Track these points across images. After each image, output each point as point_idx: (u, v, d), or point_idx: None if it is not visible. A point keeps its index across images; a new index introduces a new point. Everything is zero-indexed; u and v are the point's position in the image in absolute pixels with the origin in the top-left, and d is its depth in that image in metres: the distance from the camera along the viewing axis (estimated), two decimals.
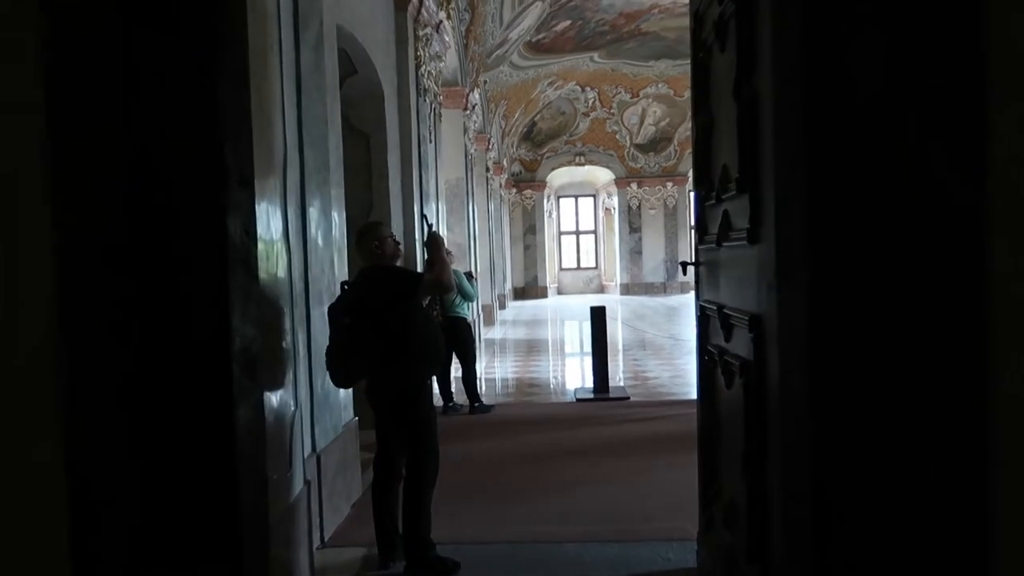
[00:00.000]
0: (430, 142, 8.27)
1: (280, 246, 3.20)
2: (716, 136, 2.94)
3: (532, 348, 12.83)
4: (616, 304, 22.59)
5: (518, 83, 18.96)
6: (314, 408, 3.90)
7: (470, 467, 5.30)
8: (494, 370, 10.34)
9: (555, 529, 4.05)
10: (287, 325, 3.27)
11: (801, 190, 1.86)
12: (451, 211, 11.90)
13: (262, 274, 2.92)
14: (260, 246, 2.84)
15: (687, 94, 23.38)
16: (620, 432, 6.28)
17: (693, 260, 3.38)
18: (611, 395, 7.71)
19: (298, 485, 3.36)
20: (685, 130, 24.88)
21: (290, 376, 3.29)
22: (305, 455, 3.69)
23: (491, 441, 6.16)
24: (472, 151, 13.09)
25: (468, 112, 12.34)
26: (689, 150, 22.11)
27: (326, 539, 3.94)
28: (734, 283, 2.64)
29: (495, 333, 15.12)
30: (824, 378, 1.78)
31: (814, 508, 1.82)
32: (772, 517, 2.26)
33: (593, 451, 5.69)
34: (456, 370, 7.64)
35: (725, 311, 2.74)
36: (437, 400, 7.46)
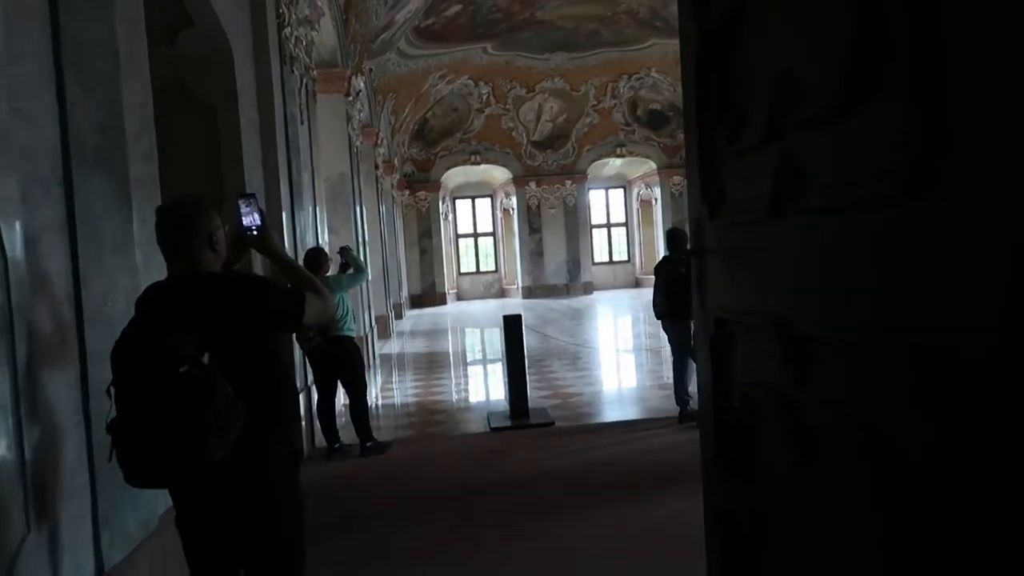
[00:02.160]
0: (302, 123, 6.80)
1: None
2: (752, 32, 1.73)
3: (434, 363, 11.47)
4: (519, 308, 21.50)
5: (407, 74, 17.56)
6: (97, 504, 2.46)
7: (353, 546, 3.92)
8: (391, 393, 8.93)
9: None
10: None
11: None
12: (334, 212, 10.40)
13: None
14: None
15: (583, 88, 22.78)
16: (551, 473, 5.03)
17: (693, 246, 2.17)
18: (532, 420, 6.47)
19: None
20: (583, 126, 24.15)
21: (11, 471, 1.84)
22: None
23: (386, 497, 4.78)
24: (358, 144, 11.61)
25: (352, 99, 10.87)
26: (588, 147, 21.39)
27: None
28: (833, 278, 1.42)
29: (391, 347, 13.66)
30: None
31: None
32: None
33: (521, 505, 4.42)
34: (342, 400, 6.23)
35: (798, 330, 1.53)
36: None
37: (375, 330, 12.23)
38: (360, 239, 11.10)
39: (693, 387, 6.12)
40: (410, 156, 23.99)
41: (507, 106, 23.27)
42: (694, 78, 2.06)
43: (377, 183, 15.47)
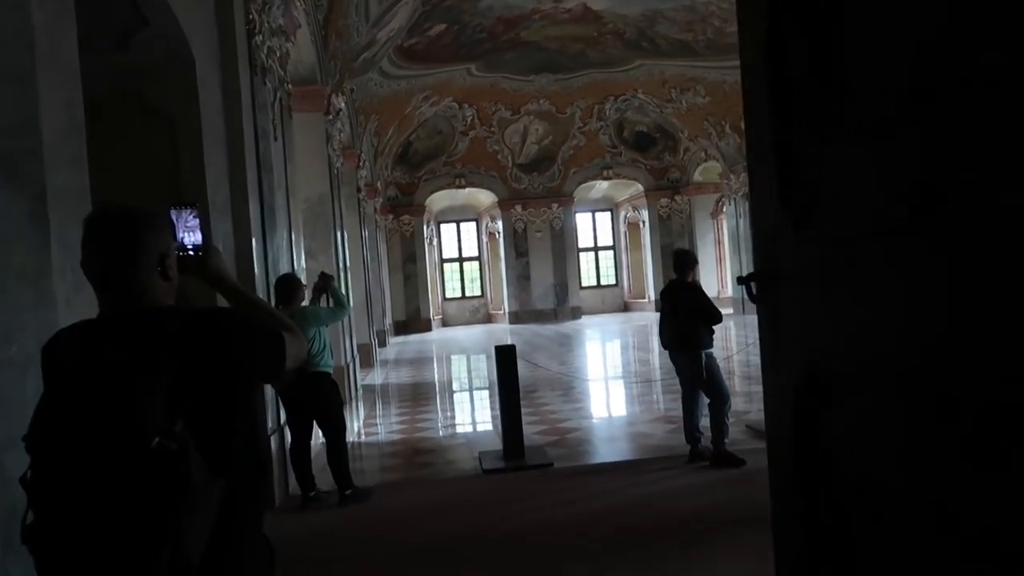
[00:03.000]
0: (275, 139, 6.29)
1: None
2: None
3: (419, 394, 10.89)
4: (506, 334, 20.96)
5: (390, 95, 17.13)
6: None
7: None
8: (375, 429, 8.34)
9: None
10: None
11: None
12: (314, 236, 9.87)
13: None
14: None
15: (569, 110, 22.49)
16: (555, 525, 4.47)
17: (762, 268, 1.66)
18: (528, 461, 5.92)
19: None
20: (568, 148, 23.82)
21: None
22: None
23: (367, 556, 4.20)
24: (339, 165, 11.11)
25: (332, 118, 10.38)
26: (574, 170, 21.13)
27: None
28: None
29: (374, 377, 13.06)
30: None
31: None
32: None
33: (523, 568, 3.86)
34: (318, 441, 5.65)
35: (969, 393, 1.03)
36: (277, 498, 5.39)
37: (357, 359, 11.65)
38: (341, 264, 10.56)
39: (705, 422, 5.61)
40: (393, 179, 23.53)
41: (492, 128, 22.90)
42: (766, 36, 1.56)
43: (359, 206, 14.96)
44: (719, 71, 18.22)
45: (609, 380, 11.73)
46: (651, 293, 25.45)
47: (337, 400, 5.25)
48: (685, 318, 5.49)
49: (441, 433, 7.84)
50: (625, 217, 26.99)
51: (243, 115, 5.26)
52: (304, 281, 6.79)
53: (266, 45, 6.07)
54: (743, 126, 1.75)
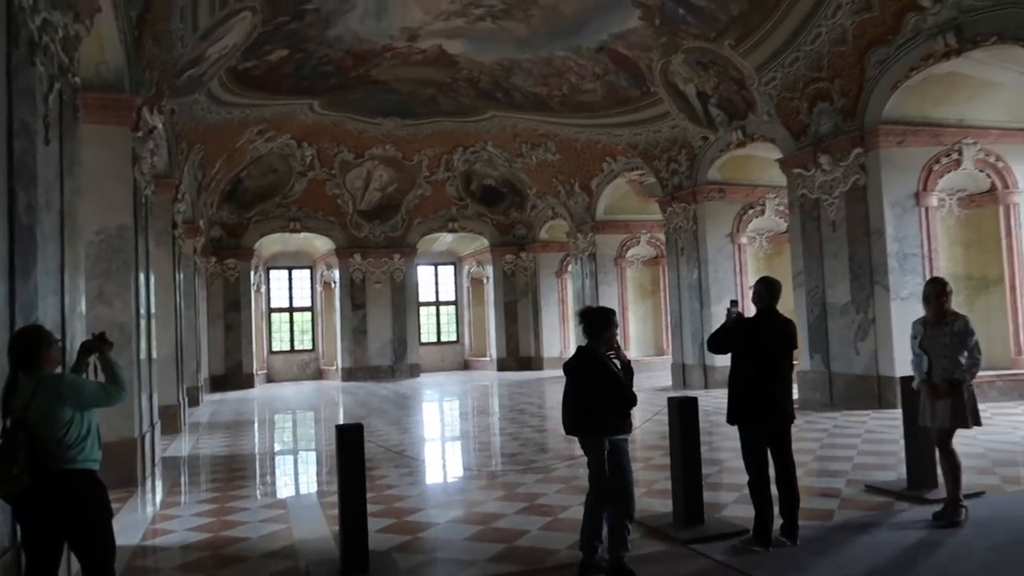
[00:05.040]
0: (46, 142, 4.68)
1: None
2: None
3: (234, 469, 9.10)
4: (338, 392, 19.23)
5: (220, 123, 15.31)
6: None
7: None
8: (171, 524, 6.55)
9: None
10: None
11: None
12: (108, 276, 8.05)
13: None
14: None
15: (416, 157, 21.43)
16: None
17: None
18: None
19: None
20: (413, 197, 22.74)
21: None
22: None
23: None
24: (148, 193, 9.29)
25: (142, 136, 8.63)
26: (419, 220, 20.08)
27: None
28: None
29: (180, 446, 11.01)
30: None
31: None
32: None
33: None
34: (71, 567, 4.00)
35: None
36: None
37: (158, 427, 9.67)
38: (143, 311, 8.69)
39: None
40: (219, 219, 21.33)
41: (333, 171, 21.41)
42: None
43: (175, 245, 12.97)
44: (572, 128, 17.97)
45: (459, 453, 10.47)
46: (493, 351, 24.63)
47: (102, 511, 3.62)
48: (595, 393, 4.38)
49: (258, 532, 6.20)
50: (469, 272, 26.18)
51: None
52: (86, 335, 5.16)
53: (41, 16, 4.52)
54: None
